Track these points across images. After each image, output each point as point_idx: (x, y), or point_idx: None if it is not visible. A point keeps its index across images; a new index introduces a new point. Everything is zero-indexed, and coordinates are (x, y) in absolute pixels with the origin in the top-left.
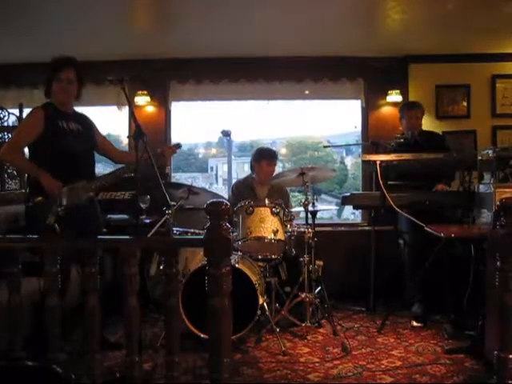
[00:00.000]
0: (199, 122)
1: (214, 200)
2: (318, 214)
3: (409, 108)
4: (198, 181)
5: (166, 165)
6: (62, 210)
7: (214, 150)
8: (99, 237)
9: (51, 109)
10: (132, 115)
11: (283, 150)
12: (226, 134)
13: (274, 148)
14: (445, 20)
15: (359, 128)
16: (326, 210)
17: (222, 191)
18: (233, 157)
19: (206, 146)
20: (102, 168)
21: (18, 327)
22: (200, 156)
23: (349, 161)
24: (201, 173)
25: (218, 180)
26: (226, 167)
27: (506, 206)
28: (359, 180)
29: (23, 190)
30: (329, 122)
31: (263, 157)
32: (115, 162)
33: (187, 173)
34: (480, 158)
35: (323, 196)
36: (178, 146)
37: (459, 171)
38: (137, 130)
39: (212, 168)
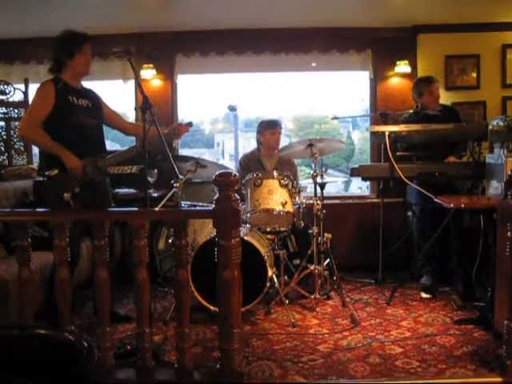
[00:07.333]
0: (205, 98)
1: (223, 171)
2: (325, 189)
3: (429, 83)
4: (205, 156)
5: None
6: (77, 187)
7: (220, 126)
8: (109, 209)
9: (61, 83)
10: (139, 86)
11: (290, 125)
12: (232, 108)
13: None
14: None
15: (366, 102)
16: (334, 181)
17: (229, 166)
18: (239, 132)
19: (212, 122)
20: (109, 145)
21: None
22: (206, 132)
23: (356, 135)
24: (207, 148)
25: (225, 155)
26: (232, 143)
27: None
28: (366, 154)
29: (30, 165)
30: (335, 97)
31: (265, 127)
32: (126, 134)
33: (194, 149)
34: (490, 128)
35: (330, 171)
36: (190, 124)
37: (470, 142)
38: (144, 102)
39: (218, 144)
